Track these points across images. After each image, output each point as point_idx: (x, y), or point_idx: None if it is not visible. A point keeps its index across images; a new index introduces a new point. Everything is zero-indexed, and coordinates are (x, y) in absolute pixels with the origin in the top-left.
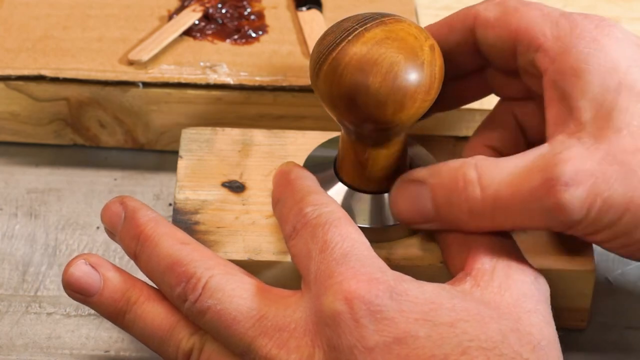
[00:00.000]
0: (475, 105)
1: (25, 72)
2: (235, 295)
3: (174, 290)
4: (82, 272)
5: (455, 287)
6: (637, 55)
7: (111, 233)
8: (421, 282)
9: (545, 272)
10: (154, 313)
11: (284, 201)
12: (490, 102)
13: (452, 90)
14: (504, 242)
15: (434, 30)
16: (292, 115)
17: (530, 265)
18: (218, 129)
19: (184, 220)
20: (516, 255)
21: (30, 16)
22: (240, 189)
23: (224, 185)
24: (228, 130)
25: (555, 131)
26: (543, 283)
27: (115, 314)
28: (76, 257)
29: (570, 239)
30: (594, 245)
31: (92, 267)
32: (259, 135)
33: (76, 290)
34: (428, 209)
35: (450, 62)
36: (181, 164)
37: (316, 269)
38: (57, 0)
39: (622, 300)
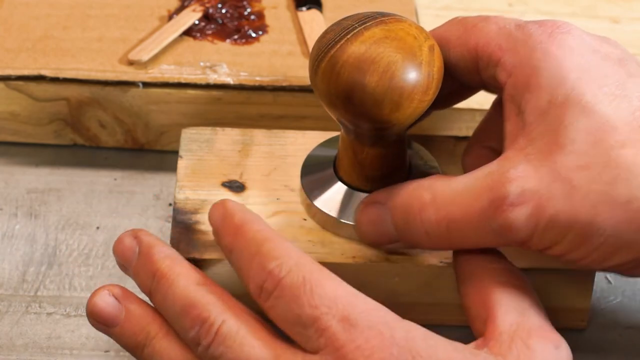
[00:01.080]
0: (475, 105)
1: (25, 72)
2: (245, 343)
3: (188, 333)
4: (105, 302)
5: (473, 352)
6: (590, 63)
7: (123, 266)
8: (434, 337)
9: (545, 272)
10: (170, 350)
11: (238, 253)
12: (489, 102)
13: (447, 92)
14: (525, 296)
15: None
16: (292, 115)
17: (552, 329)
18: (218, 129)
19: (183, 220)
20: (538, 315)
21: (30, 16)
22: (240, 188)
23: (224, 185)
24: (228, 130)
25: (508, 147)
26: (565, 350)
27: (134, 346)
28: (101, 287)
29: None
30: None
31: (116, 298)
32: (259, 135)
33: (99, 321)
34: (390, 231)
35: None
36: (181, 163)
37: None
38: (57, 0)
39: (622, 300)
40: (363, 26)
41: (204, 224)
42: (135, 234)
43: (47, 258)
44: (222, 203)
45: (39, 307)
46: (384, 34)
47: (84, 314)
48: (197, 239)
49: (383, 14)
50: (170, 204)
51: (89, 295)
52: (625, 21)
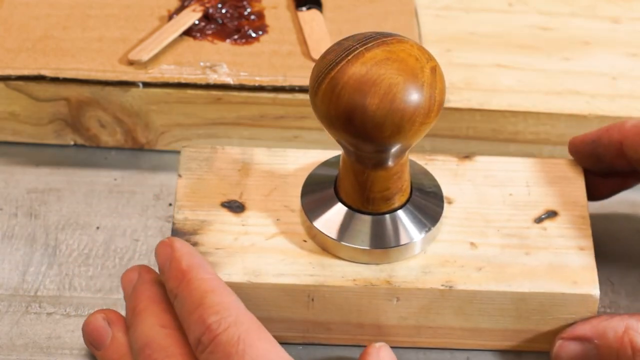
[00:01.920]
0: (475, 105)
1: (25, 72)
2: None
3: None
4: (97, 324)
5: None
6: None
7: (125, 297)
8: None
9: (548, 296)
10: None
11: (182, 301)
12: (490, 102)
13: (605, 183)
14: None
15: (581, 139)
16: (292, 115)
17: None
18: (218, 147)
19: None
20: None
21: (30, 16)
22: (239, 209)
23: (223, 205)
24: (228, 148)
25: None
26: None
27: None
28: (98, 310)
29: (575, 264)
30: (594, 245)
31: (108, 323)
32: (259, 154)
33: (88, 340)
34: None
35: (601, 163)
36: (180, 183)
37: None
38: (57, 0)
39: (622, 300)
40: (364, 47)
41: (204, 245)
42: (140, 268)
43: (47, 258)
44: (171, 243)
45: (39, 307)
46: (385, 55)
47: (84, 314)
48: None
49: (385, 34)
50: (170, 204)
51: (89, 295)
52: (625, 21)
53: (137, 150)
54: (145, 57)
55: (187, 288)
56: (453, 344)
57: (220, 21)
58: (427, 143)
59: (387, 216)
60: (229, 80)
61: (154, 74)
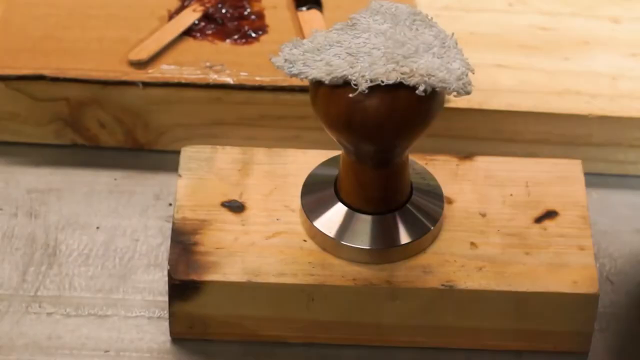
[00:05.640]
0: (475, 105)
1: (25, 72)
2: None
3: None
4: None
5: None
6: None
7: None
8: None
9: (548, 296)
10: None
11: None
12: (490, 102)
13: None
14: None
15: None
16: (292, 115)
17: None
18: (218, 147)
19: (182, 240)
20: None
21: (30, 16)
22: (240, 209)
23: (223, 205)
24: (228, 148)
25: None
26: None
27: None
28: None
29: (575, 264)
30: (594, 245)
31: None
32: (259, 154)
33: None
34: None
35: None
36: (180, 183)
37: None
38: (57, 0)
39: (622, 300)
40: None
41: (203, 245)
42: None
43: (47, 258)
44: None
45: (39, 307)
46: None
47: (84, 314)
48: (196, 261)
49: None
50: (170, 204)
51: (89, 295)
52: (625, 21)
53: (137, 150)
54: (145, 57)
55: None
56: (453, 344)
57: (220, 21)
58: (427, 143)
59: (387, 216)
60: (229, 80)
61: (154, 74)
